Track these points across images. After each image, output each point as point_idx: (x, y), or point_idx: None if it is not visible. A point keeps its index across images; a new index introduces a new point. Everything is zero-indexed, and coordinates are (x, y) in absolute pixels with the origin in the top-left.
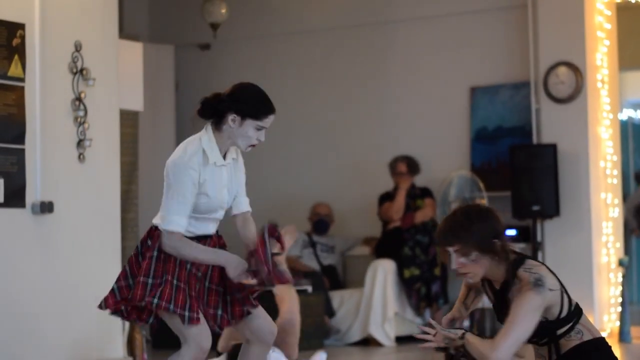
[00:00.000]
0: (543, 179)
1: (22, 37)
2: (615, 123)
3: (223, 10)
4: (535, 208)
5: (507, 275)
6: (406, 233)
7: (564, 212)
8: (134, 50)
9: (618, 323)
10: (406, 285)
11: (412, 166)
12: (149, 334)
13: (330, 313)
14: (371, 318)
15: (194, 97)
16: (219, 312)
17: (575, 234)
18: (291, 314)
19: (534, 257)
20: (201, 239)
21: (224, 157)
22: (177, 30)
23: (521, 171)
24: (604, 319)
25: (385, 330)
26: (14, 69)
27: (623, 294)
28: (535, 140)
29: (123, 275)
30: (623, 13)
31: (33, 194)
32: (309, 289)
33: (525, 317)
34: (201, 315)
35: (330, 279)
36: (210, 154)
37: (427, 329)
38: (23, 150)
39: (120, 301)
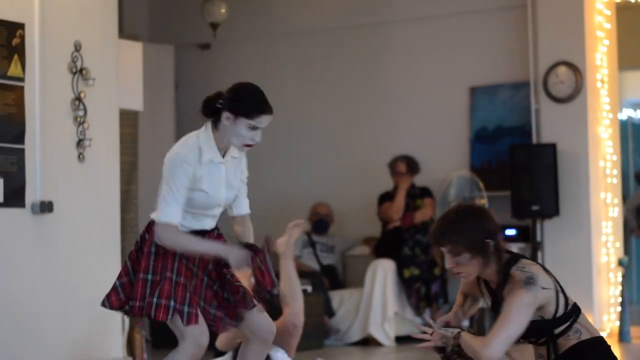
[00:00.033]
0: (543, 179)
1: (22, 37)
2: (615, 123)
3: (223, 10)
4: (535, 208)
5: (500, 274)
6: (406, 233)
7: (563, 212)
8: (134, 50)
9: (618, 323)
10: (406, 285)
11: (412, 166)
12: (149, 334)
13: (330, 313)
14: (371, 318)
15: (193, 97)
16: (212, 310)
17: (575, 234)
18: (296, 317)
19: (534, 257)
20: (198, 234)
21: (225, 155)
22: (177, 30)
23: (521, 171)
24: (604, 318)
25: (385, 330)
26: (14, 69)
27: (623, 294)
28: (534, 140)
29: (125, 271)
30: (623, 13)
31: (33, 194)
32: (309, 288)
33: (517, 314)
34: (199, 312)
35: (330, 279)
36: (207, 151)
37: (424, 328)
38: (23, 150)
39: (124, 300)
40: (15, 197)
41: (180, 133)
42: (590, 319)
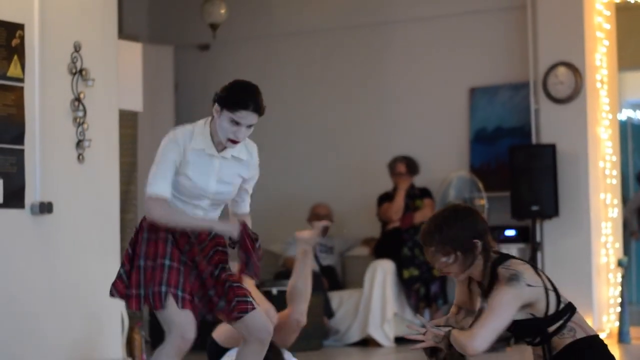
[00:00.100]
0: (542, 180)
1: (22, 38)
2: (615, 123)
3: (222, 11)
4: (535, 208)
5: (488, 274)
6: (405, 233)
7: (563, 213)
8: (134, 51)
9: (617, 323)
10: (405, 285)
11: (412, 166)
12: (148, 335)
13: (329, 314)
14: (370, 319)
15: (193, 97)
16: (196, 300)
17: (575, 235)
18: (301, 315)
19: (533, 258)
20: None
21: (223, 151)
22: (177, 30)
23: (520, 171)
24: (603, 319)
25: (384, 331)
26: (13, 70)
27: (622, 295)
28: (534, 140)
29: (127, 259)
30: (622, 13)
31: (32, 195)
32: None
33: (500, 309)
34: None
35: (329, 280)
36: (200, 139)
37: (417, 328)
38: (22, 151)
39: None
40: (15, 197)
41: None
42: (589, 320)
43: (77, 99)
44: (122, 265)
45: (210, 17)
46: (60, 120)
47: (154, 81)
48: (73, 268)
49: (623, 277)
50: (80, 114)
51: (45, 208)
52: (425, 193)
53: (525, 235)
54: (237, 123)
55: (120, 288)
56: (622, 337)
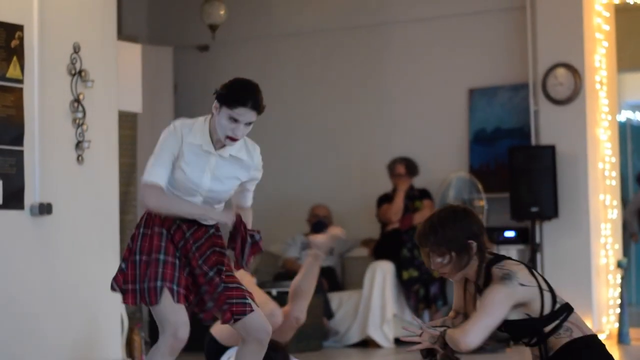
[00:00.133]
0: (542, 181)
1: (21, 39)
2: (614, 125)
3: (222, 12)
4: (534, 209)
5: (482, 274)
6: (405, 235)
7: (562, 214)
8: (133, 52)
9: (617, 325)
10: (405, 286)
11: (411, 168)
12: (148, 336)
13: (329, 315)
14: (370, 320)
15: (192, 98)
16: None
17: (574, 236)
18: (302, 313)
19: (533, 259)
20: (183, 222)
21: (221, 149)
22: (176, 31)
23: (520, 173)
24: (603, 320)
25: (383, 332)
26: (13, 71)
27: (622, 296)
28: (533, 141)
29: (127, 253)
30: (621, 14)
31: (32, 196)
32: None
33: (493, 306)
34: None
35: (328, 281)
36: (199, 135)
37: (413, 329)
38: (22, 152)
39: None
40: (14, 199)
41: None
42: (589, 321)
43: (77, 100)
44: (123, 259)
45: (209, 18)
46: (60, 121)
47: (153, 82)
48: (73, 269)
49: (622, 278)
50: (80, 115)
51: (45, 209)
52: (424, 194)
53: (525, 237)
54: (235, 120)
55: (120, 281)
56: (622, 338)
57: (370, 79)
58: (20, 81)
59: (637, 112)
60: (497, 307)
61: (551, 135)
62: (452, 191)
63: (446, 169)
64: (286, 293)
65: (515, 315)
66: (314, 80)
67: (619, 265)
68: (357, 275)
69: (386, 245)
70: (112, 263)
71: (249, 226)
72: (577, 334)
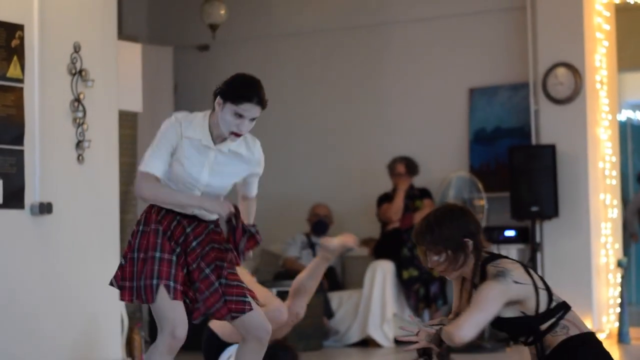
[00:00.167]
0: (542, 180)
1: (21, 38)
2: (614, 124)
3: (222, 12)
4: (534, 209)
5: (477, 272)
6: (405, 234)
7: (562, 213)
8: (133, 52)
9: (617, 324)
10: (405, 286)
11: (411, 167)
12: (148, 335)
13: (329, 314)
14: (370, 319)
15: (192, 98)
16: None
17: (574, 235)
18: (301, 309)
19: (533, 258)
20: (184, 218)
21: (221, 143)
22: (176, 31)
23: (520, 172)
24: (603, 319)
25: (384, 331)
26: (13, 70)
27: (622, 295)
28: (534, 141)
29: (128, 250)
30: (622, 14)
31: (32, 195)
32: None
33: (486, 302)
34: (180, 298)
35: (329, 280)
36: (197, 129)
37: (410, 329)
38: (22, 152)
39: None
40: (15, 198)
41: None
42: (589, 320)
43: (77, 100)
44: (123, 255)
45: (209, 18)
46: (60, 121)
47: (153, 82)
48: (73, 268)
49: (623, 277)
50: (80, 114)
51: (45, 208)
52: (424, 193)
53: (525, 236)
54: (240, 116)
55: (118, 278)
56: (622, 337)
57: (371, 78)
58: (21, 81)
59: (637, 112)
60: (490, 302)
61: (551, 135)
62: (452, 190)
63: (446, 169)
64: (286, 292)
65: (511, 313)
66: (314, 80)
67: (619, 264)
68: (358, 274)
69: (386, 245)
70: (112, 263)
71: (253, 216)
72: (573, 332)
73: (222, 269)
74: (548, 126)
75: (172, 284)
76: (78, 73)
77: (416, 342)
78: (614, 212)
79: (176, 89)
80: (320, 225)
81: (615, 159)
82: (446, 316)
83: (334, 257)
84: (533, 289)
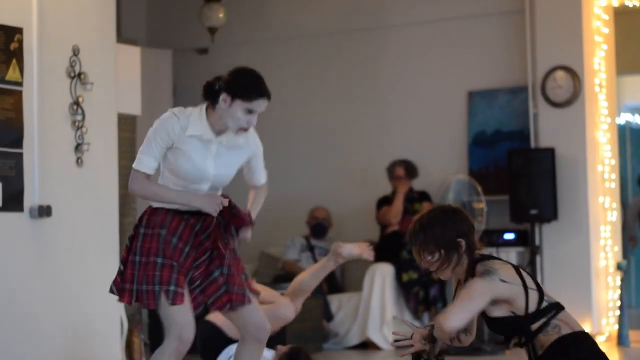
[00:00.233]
0: (541, 183)
1: (20, 42)
2: (613, 127)
3: (221, 15)
4: (533, 212)
5: (467, 272)
6: (404, 237)
7: (562, 216)
8: (132, 55)
9: (616, 327)
10: (404, 289)
11: (410, 170)
12: (147, 338)
13: (329, 317)
14: (369, 322)
15: (191, 101)
16: (197, 291)
17: (574, 238)
18: (299, 306)
19: (532, 261)
20: (191, 215)
21: (220, 134)
22: (175, 34)
23: (519, 175)
24: (602, 322)
25: (383, 334)
26: (12, 73)
27: (621, 298)
28: (533, 144)
29: (127, 254)
30: (620, 17)
31: (31, 198)
32: None
33: (472, 296)
34: (187, 301)
35: (328, 283)
36: (197, 124)
37: (403, 333)
38: (21, 155)
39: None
40: (14, 201)
41: None
42: (588, 323)
43: (76, 103)
44: (122, 261)
45: (208, 21)
46: (59, 124)
47: (152, 85)
48: (72, 271)
49: (622, 280)
50: (79, 117)
51: (44, 211)
52: (424, 196)
53: (524, 239)
54: (251, 111)
55: (118, 283)
56: (622, 340)
57: (370, 81)
58: (20, 84)
59: (636, 115)
60: (476, 294)
61: (550, 138)
62: (451, 193)
63: (446, 172)
64: None
65: (501, 313)
66: (312, 84)
67: (619, 267)
68: (357, 277)
69: (386, 248)
70: (111, 265)
71: (260, 206)
72: (565, 331)
73: (223, 258)
74: (547, 129)
75: (172, 288)
76: (77, 76)
77: (411, 346)
78: (613, 215)
79: (175, 92)
80: (319, 228)
81: (614, 162)
82: None
83: (343, 262)
84: (522, 289)
